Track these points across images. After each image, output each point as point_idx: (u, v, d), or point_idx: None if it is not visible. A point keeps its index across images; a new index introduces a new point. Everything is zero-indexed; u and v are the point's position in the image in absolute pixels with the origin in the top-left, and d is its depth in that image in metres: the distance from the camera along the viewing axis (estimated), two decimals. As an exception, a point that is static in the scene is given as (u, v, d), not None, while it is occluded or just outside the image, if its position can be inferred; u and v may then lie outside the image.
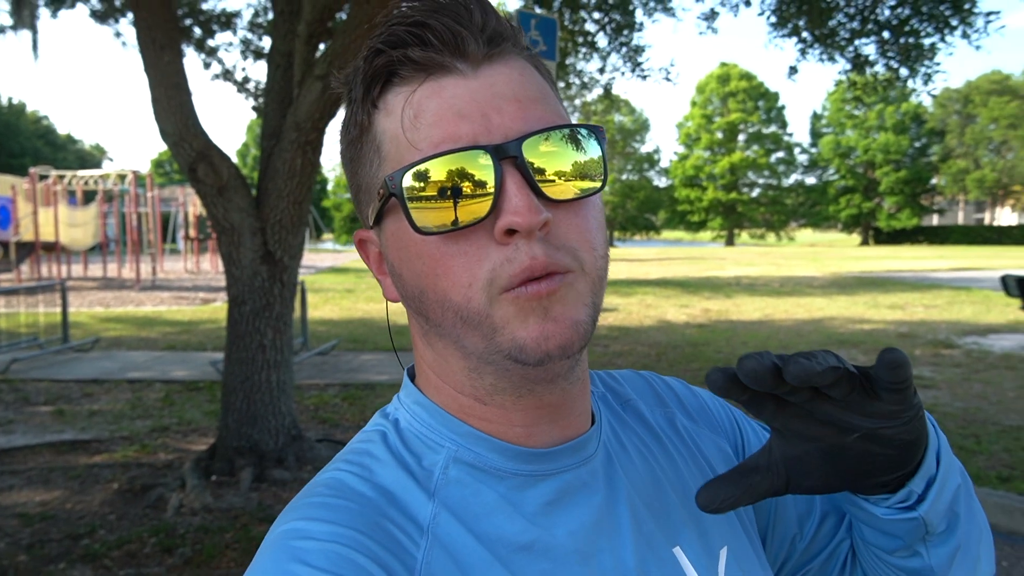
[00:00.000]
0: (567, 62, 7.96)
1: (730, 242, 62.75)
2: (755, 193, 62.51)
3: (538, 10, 5.88)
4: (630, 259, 35.94)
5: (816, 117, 62.64)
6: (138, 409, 6.78)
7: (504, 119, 0.55)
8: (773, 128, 61.34)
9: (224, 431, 4.78)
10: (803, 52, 5.95)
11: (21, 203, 20.47)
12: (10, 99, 55.09)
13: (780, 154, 61.89)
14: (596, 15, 6.79)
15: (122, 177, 22.17)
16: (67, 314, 9.82)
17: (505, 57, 0.58)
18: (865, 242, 58.77)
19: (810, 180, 63.27)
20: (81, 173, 22.13)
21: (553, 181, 0.55)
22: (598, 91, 8.72)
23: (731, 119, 59.86)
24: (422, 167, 0.54)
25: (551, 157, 0.55)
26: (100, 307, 15.20)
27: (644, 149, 64.99)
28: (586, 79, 8.39)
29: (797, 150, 62.72)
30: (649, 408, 0.76)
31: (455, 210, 0.53)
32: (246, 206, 4.58)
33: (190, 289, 19.00)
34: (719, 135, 61.09)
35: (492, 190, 0.53)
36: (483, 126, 0.55)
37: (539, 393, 0.60)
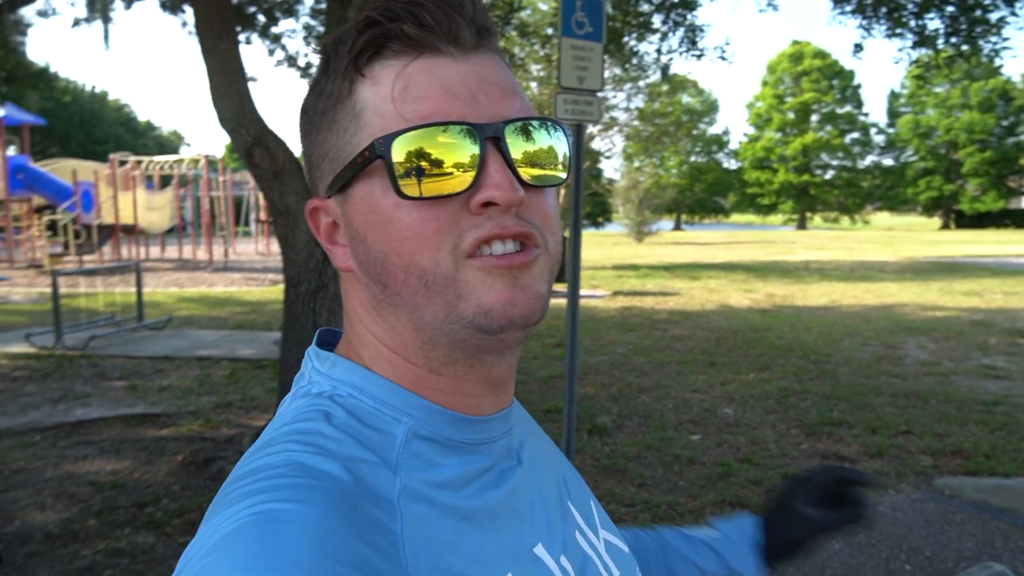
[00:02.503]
0: (626, 43, 7.86)
1: (802, 226, 61.19)
2: (829, 175, 60.73)
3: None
4: (696, 243, 35.40)
5: (894, 96, 60.38)
6: (205, 385, 7.06)
7: (491, 103, 0.60)
8: (848, 108, 59.36)
9: (281, 408, 4.93)
10: (867, 28, 5.74)
11: (102, 187, 21.37)
12: (93, 88, 57.34)
13: (855, 135, 59.91)
14: (651, -6, 6.69)
15: (196, 162, 22.89)
16: (142, 294, 10.24)
17: (488, 51, 0.63)
18: (946, 226, 56.54)
19: (887, 161, 61.18)
20: (158, 158, 22.94)
21: (525, 167, 0.60)
22: (658, 73, 8.58)
23: (804, 99, 58.19)
24: (412, 135, 0.57)
25: (527, 145, 0.60)
26: (175, 287, 15.80)
27: (712, 130, 63.77)
28: (644, 61, 8.27)
29: (873, 130, 60.66)
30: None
31: (439, 179, 0.57)
32: (301, 190, 4.69)
33: (260, 270, 19.56)
34: (791, 115, 59.48)
35: (475, 165, 0.57)
36: (471, 107, 0.59)
37: (489, 364, 0.63)
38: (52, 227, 21.76)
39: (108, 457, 5.11)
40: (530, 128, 0.61)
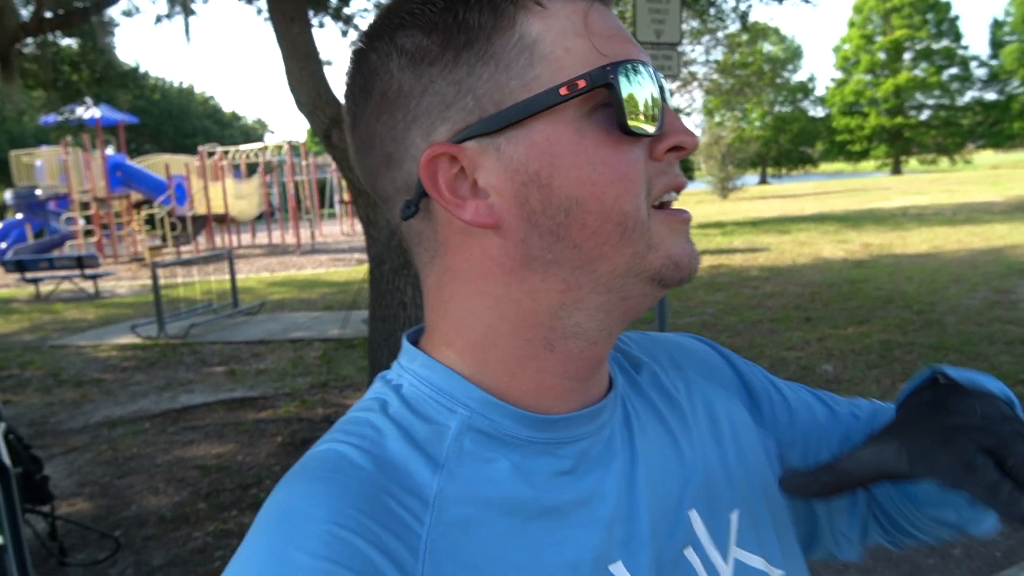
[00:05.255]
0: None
1: (896, 171, 58.37)
2: (924, 115, 57.53)
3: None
4: (784, 195, 34.24)
5: (997, 25, 56.44)
6: (299, 367, 7.24)
7: (642, 53, 0.59)
8: (945, 42, 55.90)
9: (373, 386, 5.00)
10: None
11: (193, 179, 22.19)
12: (180, 83, 59.45)
13: (953, 70, 56.38)
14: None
15: (279, 148, 23.47)
16: (235, 281, 10.59)
17: None
18: (1057, 160, 52.87)
19: (990, 96, 57.38)
20: (243, 147, 23.64)
21: None
22: (736, 23, 8.21)
23: (895, 36, 55.13)
24: (632, 67, 0.54)
25: None
26: (266, 272, 16.31)
27: (796, 78, 61.27)
28: (722, 10, 7.91)
29: (974, 64, 56.90)
30: (663, 370, 0.73)
31: (647, 118, 0.55)
32: (379, 169, 4.69)
33: (346, 251, 19.98)
34: (881, 56, 56.51)
35: (659, 109, 0.56)
36: (641, 55, 0.58)
37: (612, 338, 0.60)
38: (150, 221, 22.77)
39: (212, 441, 5.30)
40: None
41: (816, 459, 0.73)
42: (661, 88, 0.57)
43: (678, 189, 0.58)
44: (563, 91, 0.53)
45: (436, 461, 0.55)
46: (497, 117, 0.54)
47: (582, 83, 0.53)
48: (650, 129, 0.55)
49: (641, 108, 0.54)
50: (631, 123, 0.53)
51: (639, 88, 0.54)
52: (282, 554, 0.47)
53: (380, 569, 0.48)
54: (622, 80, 0.53)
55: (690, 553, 0.62)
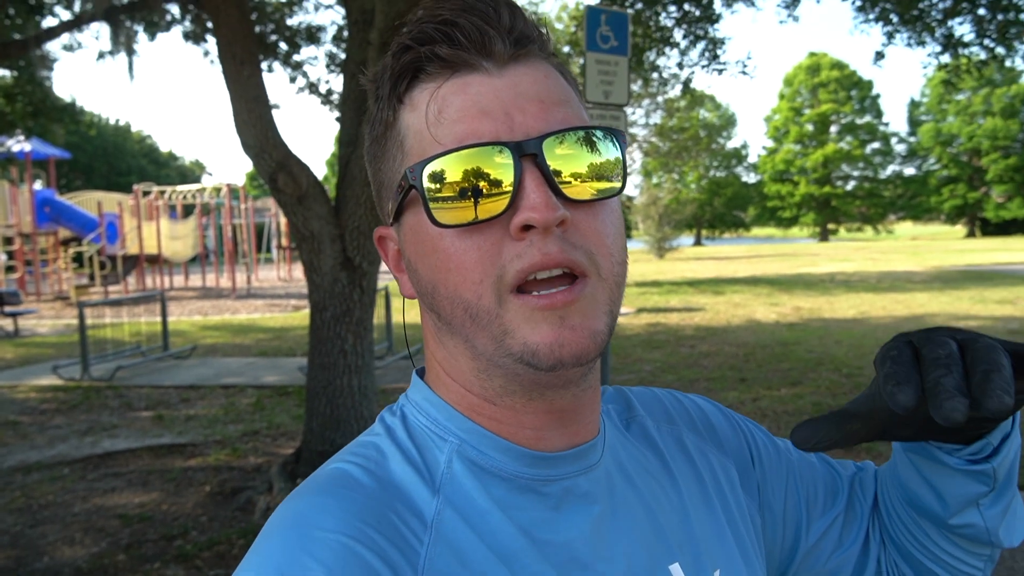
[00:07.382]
0: (646, 58, 7.82)
1: (824, 238, 60.73)
2: (850, 186, 60.27)
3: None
4: (718, 257, 35.17)
5: (914, 104, 59.89)
6: (231, 414, 7.02)
7: (526, 118, 0.56)
8: (868, 118, 59.04)
9: (309, 435, 4.88)
10: (890, 36, 5.64)
11: (127, 218, 21.62)
12: (117, 121, 58.27)
13: (876, 145, 59.52)
14: (672, 8, 6.63)
15: (217, 190, 23.10)
16: (167, 323, 10.28)
17: (530, 59, 0.59)
18: (971, 234, 55.85)
19: (909, 171, 60.59)
20: (180, 188, 23.20)
21: (570, 183, 0.55)
22: (678, 88, 8.52)
23: (822, 110, 57.94)
24: (442, 161, 0.54)
25: (569, 159, 0.55)
26: (199, 315, 15.87)
27: (731, 145, 63.58)
28: (665, 75, 8.21)
29: (894, 140, 60.17)
30: (656, 425, 0.75)
31: (473, 205, 0.54)
32: (325, 214, 4.66)
33: (283, 296, 19.63)
34: (809, 127, 59.24)
35: (511, 186, 0.53)
36: (505, 124, 0.55)
37: (550, 397, 0.60)
38: (78, 259, 22.02)
39: (136, 489, 5.06)
40: (575, 139, 0.56)
41: (801, 501, 0.78)
42: (533, 159, 0.54)
43: (547, 267, 0.53)
44: (399, 188, 0.59)
45: (433, 485, 0.58)
46: (391, 207, 0.61)
47: (403, 183, 0.57)
48: (468, 218, 0.53)
49: (462, 196, 0.53)
50: (437, 216, 0.54)
51: (463, 176, 0.53)
52: (294, 558, 0.50)
53: None
54: (429, 175, 0.54)
55: None
